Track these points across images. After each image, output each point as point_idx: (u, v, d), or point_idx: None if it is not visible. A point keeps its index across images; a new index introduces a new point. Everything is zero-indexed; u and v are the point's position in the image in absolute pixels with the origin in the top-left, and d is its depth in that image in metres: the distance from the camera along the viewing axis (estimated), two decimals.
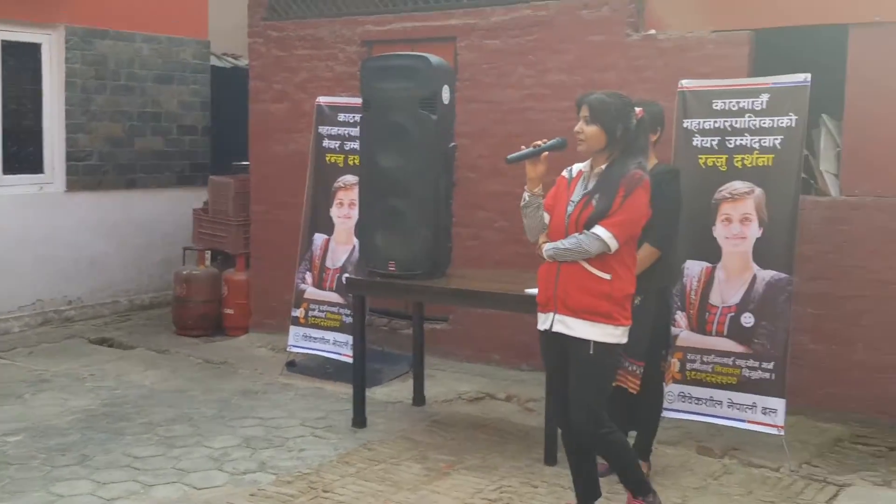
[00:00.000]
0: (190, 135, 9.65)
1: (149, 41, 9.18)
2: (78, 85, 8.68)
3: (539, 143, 4.13)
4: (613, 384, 4.51)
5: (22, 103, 8.47)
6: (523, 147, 4.16)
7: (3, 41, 8.21)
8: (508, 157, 4.19)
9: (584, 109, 4.00)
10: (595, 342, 3.90)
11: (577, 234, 3.92)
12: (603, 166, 4.00)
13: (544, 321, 4.08)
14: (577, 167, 4.15)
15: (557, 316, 3.99)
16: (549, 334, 4.05)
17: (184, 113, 9.56)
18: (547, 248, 4.02)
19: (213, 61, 10.02)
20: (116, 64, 8.96)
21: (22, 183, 8.41)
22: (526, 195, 4.11)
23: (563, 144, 4.17)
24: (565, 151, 4.16)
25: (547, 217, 4.10)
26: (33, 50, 8.47)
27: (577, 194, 4.02)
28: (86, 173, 8.80)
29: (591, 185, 4.01)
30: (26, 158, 8.50)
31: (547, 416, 4.96)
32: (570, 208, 3.99)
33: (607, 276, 3.90)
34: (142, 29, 9.09)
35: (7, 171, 8.31)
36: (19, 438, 5.43)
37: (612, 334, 3.92)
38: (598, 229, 3.86)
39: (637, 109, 4.08)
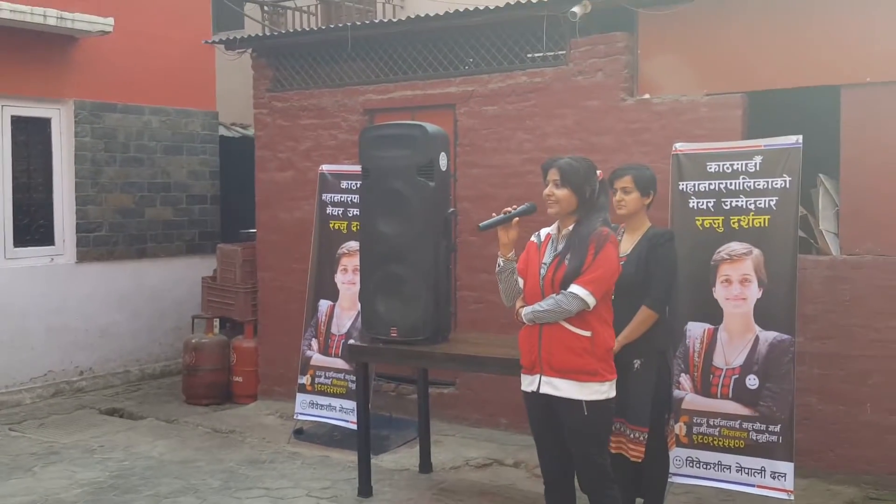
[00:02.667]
0: (199, 204, 9.75)
1: (157, 113, 9.32)
2: (88, 158, 8.79)
3: (509, 209, 4.24)
4: (614, 452, 4.50)
5: (32, 177, 8.57)
6: (494, 214, 4.24)
7: (13, 116, 8.35)
8: (481, 224, 4.30)
9: (553, 173, 4.09)
10: (587, 402, 3.96)
11: (554, 296, 3.98)
12: (570, 227, 4.08)
13: (530, 383, 4.14)
14: (545, 231, 4.24)
15: (544, 378, 4.05)
16: (536, 395, 4.10)
17: (193, 183, 9.67)
18: (526, 311, 4.07)
19: (222, 131, 10.17)
20: (126, 136, 9.08)
21: (33, 255, 8.50)
22: (500, 261, 4.22)
23: (533, 209, 4.29)
24: (537, 215, 4.27)
25: (521, 281, 4.18)
26: (43, 124, 8.60)
27: (548, 256, 4.10)
28: (96, 244, 8.88)
29: (560, 246, 4.09)
30: (37, 231, 8.60)
31: None
32: (543, 270, 4.07)
33: (587, 334, 3.97)
34: (150, 102, 9.25)
35: (18, 243, 8.39)
36: None
37: (600, 391, 4.00)
38: (575, 288, 3.93)
39: (598, 171, 4.18)
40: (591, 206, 4.08)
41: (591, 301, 3.93)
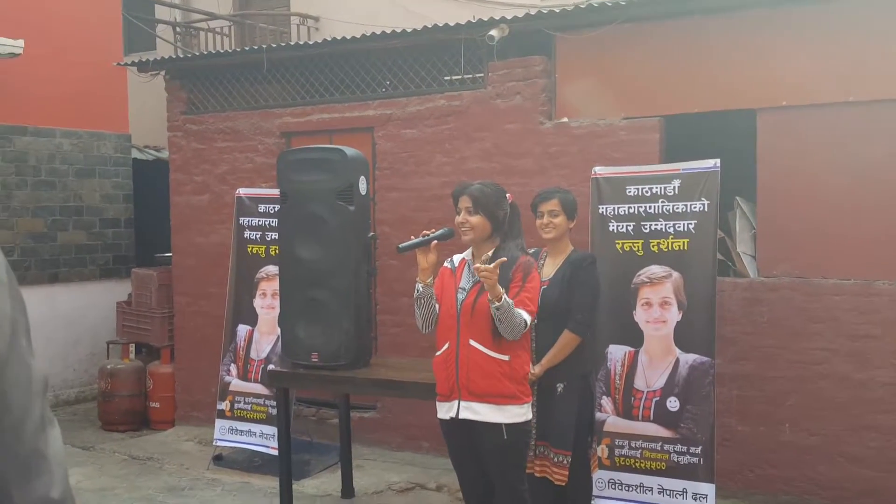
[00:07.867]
0: (113, 227, 9.25)
1: (69, 136, 8.81)
2: None
3: (427, 232, 4.05)
4: (539, 476, 4.35)
5: None
6: (413, 236, 4.03)
7: None
8: (399, 245, 4.08)
9: (465, 200, 3.92)
10: (507, 425, 3.82)
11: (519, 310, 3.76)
12: (489, 253, 3.89)
13: (448, 410, 3.95)
14: (458, 257, 4.08)
15: (463, 403, 3.88)
16: (455, 422, 3.92)
17: (106, 206, 9.17)
18: (506, 299, 3.69)
19: (135, 154, 9.69)
20: (37, 159, 8.56)
21: None
22: (419, 286, 3.99)
23: (451, 234, 4.10)
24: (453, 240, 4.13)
25: (438, 306, 4.00)
26: None
27: (465, 281, 3.93)
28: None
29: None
30: None
31: None
32: (460, 295, 3.90)
33: (506, 358, 3.83)
34: (62, 124, 8.73)
35: None
36: None
37: (519, 414, 3.86)
38: (523, 313, 3.76)
39: (507, 194, 4.03)
40: (505, 230, 3.95)
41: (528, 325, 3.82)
